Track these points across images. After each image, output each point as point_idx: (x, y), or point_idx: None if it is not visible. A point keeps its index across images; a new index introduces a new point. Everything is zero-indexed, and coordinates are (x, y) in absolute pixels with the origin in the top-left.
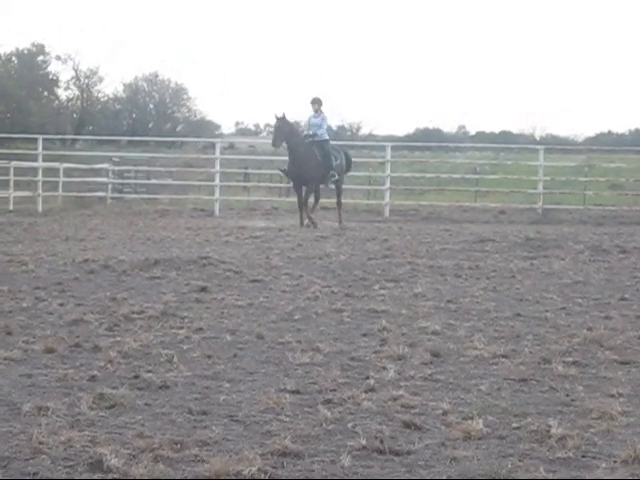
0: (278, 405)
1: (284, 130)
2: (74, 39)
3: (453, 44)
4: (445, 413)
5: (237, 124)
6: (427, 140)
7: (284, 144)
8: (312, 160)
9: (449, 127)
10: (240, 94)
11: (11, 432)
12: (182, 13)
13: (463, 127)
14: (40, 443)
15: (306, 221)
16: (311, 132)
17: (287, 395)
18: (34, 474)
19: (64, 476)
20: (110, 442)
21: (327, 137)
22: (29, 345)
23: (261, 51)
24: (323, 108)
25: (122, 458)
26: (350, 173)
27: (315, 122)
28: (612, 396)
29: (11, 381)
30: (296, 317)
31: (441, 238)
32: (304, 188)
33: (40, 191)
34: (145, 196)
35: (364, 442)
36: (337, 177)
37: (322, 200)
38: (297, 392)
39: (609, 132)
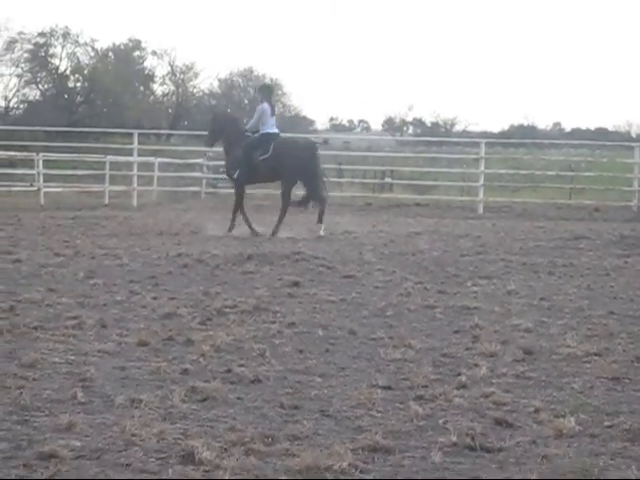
0: (369, 400)
1: (216, 128)
2: (170, 35)
3: (549, 40)
4: (537, 411)
5: (331, 120)
6: (522, 137)
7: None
8: (230, 155)
9: (544, 124)
10: (335, 90)
11: (104, 424)
12: (277, 8)
13: (558, 124)
14: (133, 435)
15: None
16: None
17: (378, 391)
18: (127, 465)
19: (156, 468)
20: (202, 435)
21: (268, 130)
22: (123, 338)
23: (355, 46)
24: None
25: (214, 451)
26: (439, 169)
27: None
28: None
29: (105, 373)
30: (388, 313)
31: (535, 235)
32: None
33: (135, 185)
34: None
35: (455, 438)
36: (235, 176)
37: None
38: (389, 388)
39: None
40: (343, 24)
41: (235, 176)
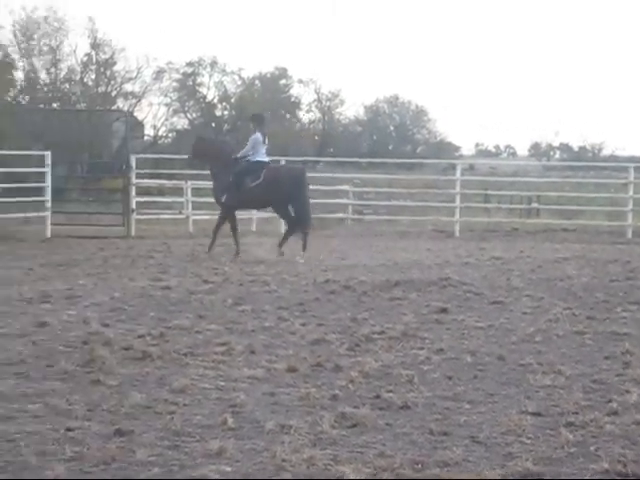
0: (519, 427)
1: (198, 152)
2: (316, 62)
3: None
4: None
5: (477, 145)
6: None
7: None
8: (221, 179)
9: None
10: (480, 115)
11: (255, 449)
12: (422, 35)
13: None
14: (283, 460)
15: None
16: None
17: (528, 417)
18: None
19: None
20: (351, 461)
21: (258, 158)
22: (272, 364)
23: (502, 70)
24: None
25: (363, 477)
26: (586, 194)
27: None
28: None
29: (255, 399)
30: (537, 339)
31: None
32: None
33: None
34: (385, 217)
35: (606, 466)
36: (223, 200)
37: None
38: (538, 414)
39: None
40: (486, 49)
41: (223, 200)
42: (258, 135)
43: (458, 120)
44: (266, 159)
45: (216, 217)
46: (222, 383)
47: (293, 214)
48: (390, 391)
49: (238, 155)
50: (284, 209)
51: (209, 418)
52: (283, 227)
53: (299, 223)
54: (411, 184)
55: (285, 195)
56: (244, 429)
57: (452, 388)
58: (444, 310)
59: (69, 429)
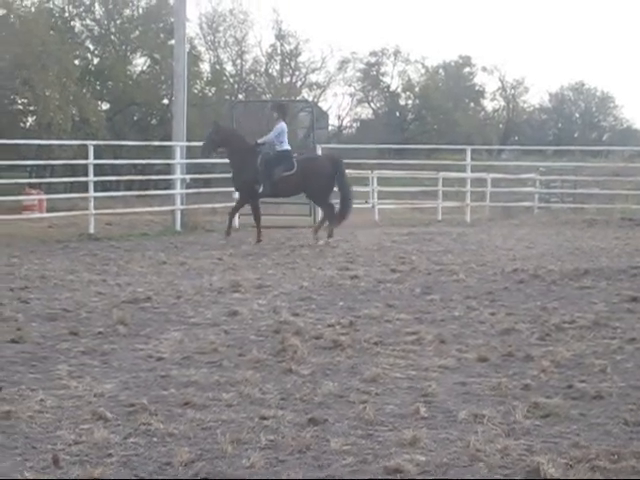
0: None
1: (216, 139)
2: (500, 50)
3: None
4: None
5: None
6: None
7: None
8: (247, 168)
9: None
10: None
11: (448, 439)
12: (606, 20)
13: None
14: (477, 450)
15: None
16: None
17: None
18: None
19: None
20: (546, 451)
21: (285, 147)
22: (462, 353)
23: None
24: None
25: (559, 468)
26: None
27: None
28: None
29: (446, 389)
30: None
31: None
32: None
33: (468, 201)
34: (572, 205)
35: None
36: (260, 191)
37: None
38: None
39: None
40: None
41: (260, 191)
42: (283, 124)
43: None
44: (290, 148)
45: (401, 206)
46: (413, 372)
47: (336, 202)
48: (583, 381)
49: (259, 141)
50: (321, 197)
51: (401, 407)
52: (468, 216)
53: (341, 210)
54: (597, 172)
55: (323, 184)
56: (437, 418)
57: None
58: (635, 299)
59: (263, 417)
